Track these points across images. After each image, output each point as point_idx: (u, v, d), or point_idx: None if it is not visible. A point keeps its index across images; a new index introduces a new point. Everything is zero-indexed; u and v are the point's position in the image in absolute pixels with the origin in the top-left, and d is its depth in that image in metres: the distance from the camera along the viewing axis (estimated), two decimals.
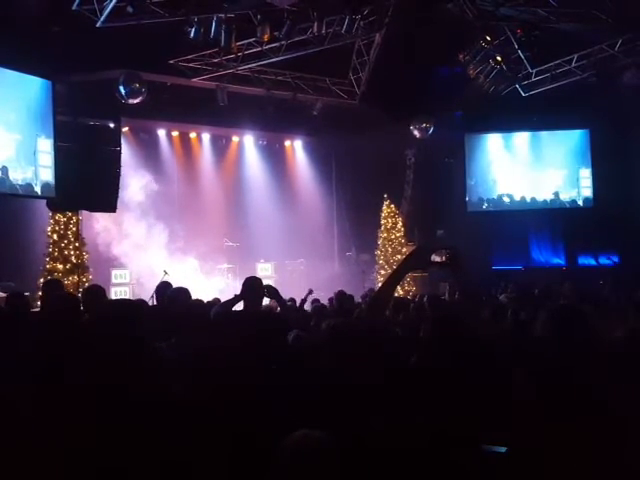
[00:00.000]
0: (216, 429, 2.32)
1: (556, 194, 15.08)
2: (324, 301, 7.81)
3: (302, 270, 14.12)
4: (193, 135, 14.49)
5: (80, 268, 10.55)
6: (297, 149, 15.85)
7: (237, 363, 2.72)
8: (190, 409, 2.23)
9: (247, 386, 2.52)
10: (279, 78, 12.77)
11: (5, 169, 9.20)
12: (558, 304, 2.11)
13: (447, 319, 2.73)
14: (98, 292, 4.61)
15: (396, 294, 11.75)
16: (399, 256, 13.88)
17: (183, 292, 4.63)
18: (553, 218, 15.00)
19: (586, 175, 14.91)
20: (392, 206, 14.24)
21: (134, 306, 2.46)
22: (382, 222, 14.20)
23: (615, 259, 10.00)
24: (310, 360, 2.83)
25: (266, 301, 4.94)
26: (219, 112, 12.57)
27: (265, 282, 4.45)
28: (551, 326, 2.00)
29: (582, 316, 2.03)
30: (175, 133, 14.23)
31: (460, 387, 2.32)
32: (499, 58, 11.77)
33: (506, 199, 15.29)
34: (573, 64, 12.51)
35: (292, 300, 7.27)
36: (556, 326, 1.98)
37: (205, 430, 2.23)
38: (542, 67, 12.73)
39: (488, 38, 11.34)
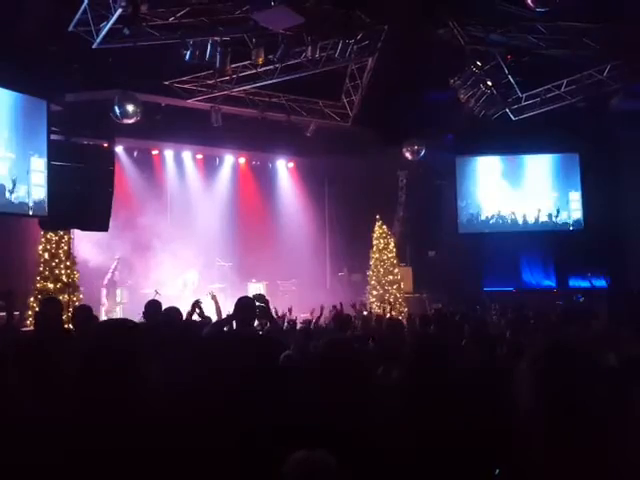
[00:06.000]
0: (206, 449, 2.31)
1: (547, 217, 15.21)
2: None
3: (294, 290, 14.09)
4: (187, 155, 14.54)
5: (71, 287, 10.47)
6: (290, 170, 15.94)
7: (227, 384, 2.71)
8: (178, 430, 2.21)
9: (238, 405, 2.51)
10: (273, 100, 12.90)
11: (2, 187, 9.19)
12: (541, 347, 1.94)
13: (429, 343, 2.70)
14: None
15: (388, 315, 11.80)
16: (391, 277, 13.89)
17: (174, 311, 4.64)
18: (544, 240, 15.11)
19: (576, 198, 15.07)
20: (384, 227, 14.27)
21: (131, 325, 2.45)
22: (374, 243, 14.22)
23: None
24: (300, 379, 2.83)
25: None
26: (213, 133, 12.66)
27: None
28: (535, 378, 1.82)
29: (571, 356, 1.84)
30: (169, 153, 14.28)
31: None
32: (489, 83, 11.98)
33: (497, 221, 15.41)
34: (562, 89, 12.73)
35: (282, 318, 7.23)
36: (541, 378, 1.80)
37: (195, 450, 2.21)
38: (532, 92, 12.96)
39: (479, 63, 11.53)
